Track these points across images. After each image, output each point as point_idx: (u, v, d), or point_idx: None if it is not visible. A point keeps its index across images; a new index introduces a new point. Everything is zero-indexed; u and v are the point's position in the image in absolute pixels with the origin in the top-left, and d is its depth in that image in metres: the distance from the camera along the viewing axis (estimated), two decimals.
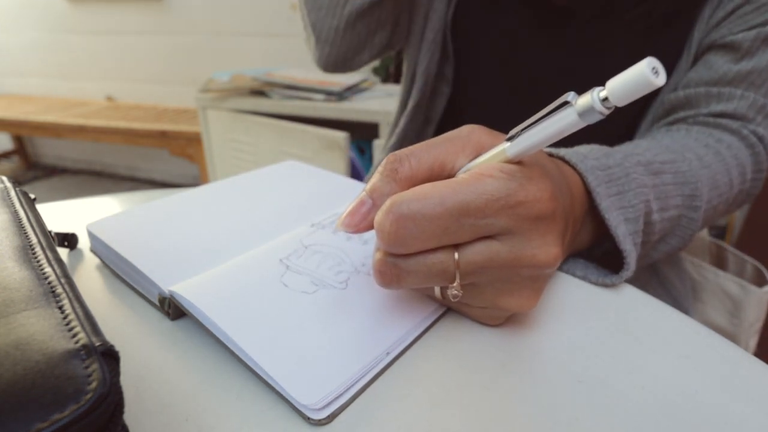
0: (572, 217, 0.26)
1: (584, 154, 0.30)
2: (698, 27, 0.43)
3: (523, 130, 0.19)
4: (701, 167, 0.37)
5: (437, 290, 0.24)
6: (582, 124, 0.17)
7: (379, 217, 0.21)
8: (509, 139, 0.20)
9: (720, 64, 0.42)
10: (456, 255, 0.21)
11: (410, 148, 0.23)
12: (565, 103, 0.17)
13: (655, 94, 0.46)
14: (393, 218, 0.20)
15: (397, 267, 0.22)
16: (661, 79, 0.15)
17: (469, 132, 0.23)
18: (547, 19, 0.48)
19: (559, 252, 0.21)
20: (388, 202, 0.21)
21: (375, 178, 0.23)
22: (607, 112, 0.16)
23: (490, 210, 0.20)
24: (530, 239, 0.20)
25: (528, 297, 0.23)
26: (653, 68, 0.15)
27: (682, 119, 0.44)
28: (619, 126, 0.49)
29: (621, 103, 0.16)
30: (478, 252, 0.21)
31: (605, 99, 0.16)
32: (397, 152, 0.23)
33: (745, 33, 0.40)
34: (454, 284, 0.21)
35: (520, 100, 0.52)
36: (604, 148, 0.31)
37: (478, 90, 0.54)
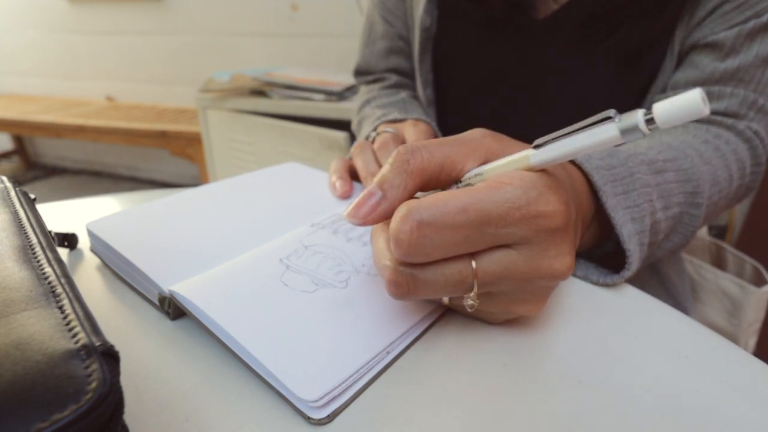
0: (580, 221, 0.26)
1: (588, 153, 0.30)
2: (679, 27, 0.43)
3: (553, 139, 0.19)
4: (702, 164, 0.37)
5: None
6: (620, 141, 0.17)
7: (395, 224, 0.20)
8: (535, 147, 0.20)
9: (706, 63, 0.42)
10: (474, 264, 0.20)
11: (422, 141, 0.22)
12: (607, 119, 0.17)
13: (642, 96, 0.46)
14: (413, 225, 0.19)
15: (413, 277, 0.20)
16: (708, 108, 0.15)
17: (482, 137, 0.23)
18: (523, 42, 0.48)
19: (573, 261, 0.21)
20: (403, 209, 0.20)
21: (385, 169, 0.22)
22: (648, 133, 0.17)
23: (511, 219, 0.19)
24: (547, 249, 0.20)
25: (537, 303, 0.23)
26: (704, 98, 0.15)
27: None
28: None
29: (665, 126, 0.16)
30: (496, 262, 0.20)
31: (649, 120, 0.16)
32: (409, 144, 0.22)
33: (727, 32, 0.40)
34: (471, 294, 0.21)
35: (499, 120, 0.53)
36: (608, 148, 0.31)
37: (462, 115, 0.56)
